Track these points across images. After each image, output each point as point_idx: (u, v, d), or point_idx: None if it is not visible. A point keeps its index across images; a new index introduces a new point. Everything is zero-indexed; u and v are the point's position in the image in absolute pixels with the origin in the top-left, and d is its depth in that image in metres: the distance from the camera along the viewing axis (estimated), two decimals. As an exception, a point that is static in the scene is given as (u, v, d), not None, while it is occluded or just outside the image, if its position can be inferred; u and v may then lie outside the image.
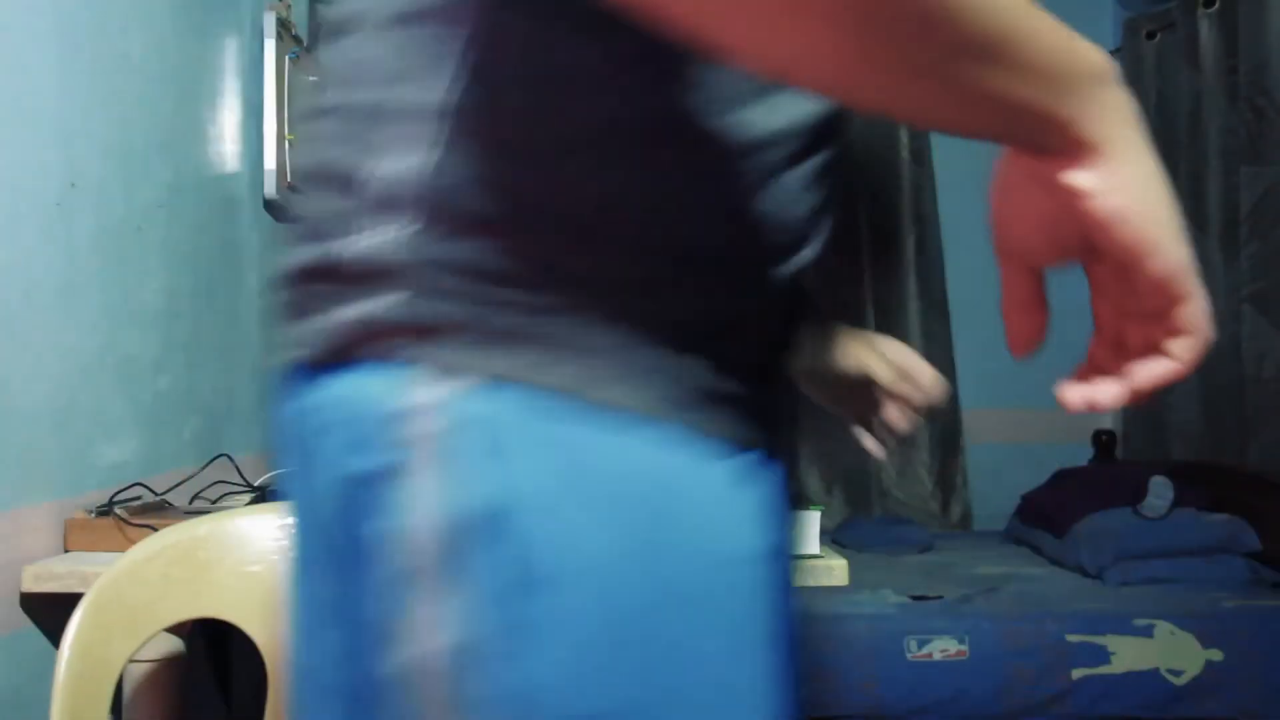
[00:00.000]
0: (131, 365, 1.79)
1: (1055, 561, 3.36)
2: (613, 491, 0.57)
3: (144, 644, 1.20)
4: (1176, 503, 3.25)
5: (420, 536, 0.55)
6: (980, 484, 4.19)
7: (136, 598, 1.17)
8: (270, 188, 2.36)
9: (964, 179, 4.05)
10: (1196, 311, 0.57)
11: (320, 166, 0.61)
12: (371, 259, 0.57)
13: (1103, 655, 2.65)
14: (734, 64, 0.52)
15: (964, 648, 2.66)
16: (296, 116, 2.45)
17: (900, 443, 3.23)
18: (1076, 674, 2.64)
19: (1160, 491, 3.23)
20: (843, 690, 2.65)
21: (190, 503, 1.83)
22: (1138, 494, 3.27)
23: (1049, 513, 3.50)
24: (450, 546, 0.55)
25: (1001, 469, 4.12)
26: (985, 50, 0.49)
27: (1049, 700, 2.63)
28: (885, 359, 1.00)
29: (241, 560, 1.19)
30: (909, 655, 2.66)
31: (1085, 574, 3.16)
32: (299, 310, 0.61)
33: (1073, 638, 2.67)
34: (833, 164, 0.66)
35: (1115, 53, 4.10)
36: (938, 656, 2.65)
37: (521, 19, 0.57)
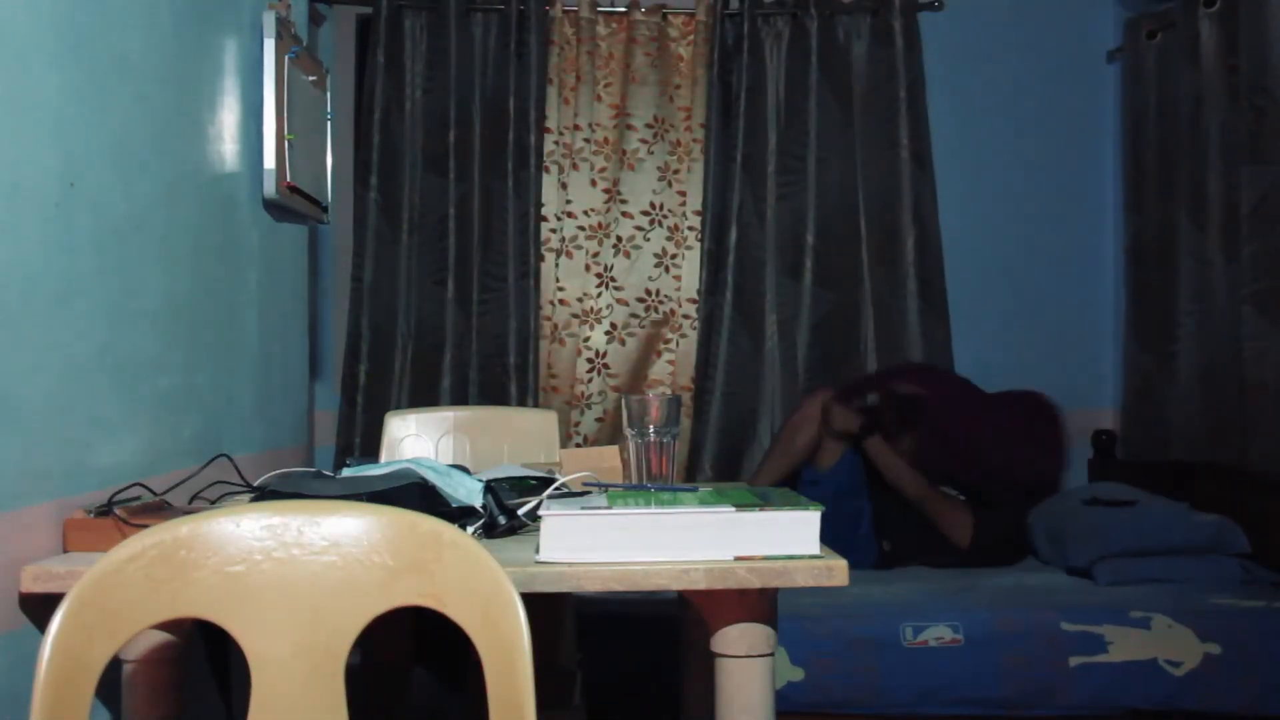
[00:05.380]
0: (131, 365, 1.79)
1: (1044, 561, 3.38)
2: None
3: (125, 644, 1.19)
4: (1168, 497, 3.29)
5: None
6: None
7: (118, 598, 1.16)
8: (269, 187, 2.36)
9: (964, 180, 4.05)
10: None
11: None
12: None
13: (1100, 644, 2.66)
14: None
15: (959, 636, 2.67)
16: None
17: None
18: (1074, 661, 2.64)
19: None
20: (843, 678, 2.66)
21: (190, 503, 1.83)
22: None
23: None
24: None
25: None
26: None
27: (1048, 688, 2.64)
28: None
29: (224, 560, 1.18)
30: (904, 643, 2.67)
31: (1074, 572, 3.18)
32: None
33: (1069, 626, 2.68)
34: None
35: (1115, 52, 4.10)
36: (933, 644, 2.67)
37: None
